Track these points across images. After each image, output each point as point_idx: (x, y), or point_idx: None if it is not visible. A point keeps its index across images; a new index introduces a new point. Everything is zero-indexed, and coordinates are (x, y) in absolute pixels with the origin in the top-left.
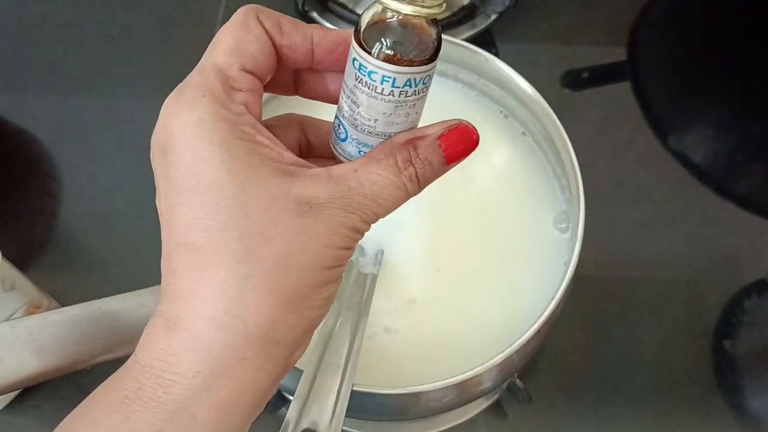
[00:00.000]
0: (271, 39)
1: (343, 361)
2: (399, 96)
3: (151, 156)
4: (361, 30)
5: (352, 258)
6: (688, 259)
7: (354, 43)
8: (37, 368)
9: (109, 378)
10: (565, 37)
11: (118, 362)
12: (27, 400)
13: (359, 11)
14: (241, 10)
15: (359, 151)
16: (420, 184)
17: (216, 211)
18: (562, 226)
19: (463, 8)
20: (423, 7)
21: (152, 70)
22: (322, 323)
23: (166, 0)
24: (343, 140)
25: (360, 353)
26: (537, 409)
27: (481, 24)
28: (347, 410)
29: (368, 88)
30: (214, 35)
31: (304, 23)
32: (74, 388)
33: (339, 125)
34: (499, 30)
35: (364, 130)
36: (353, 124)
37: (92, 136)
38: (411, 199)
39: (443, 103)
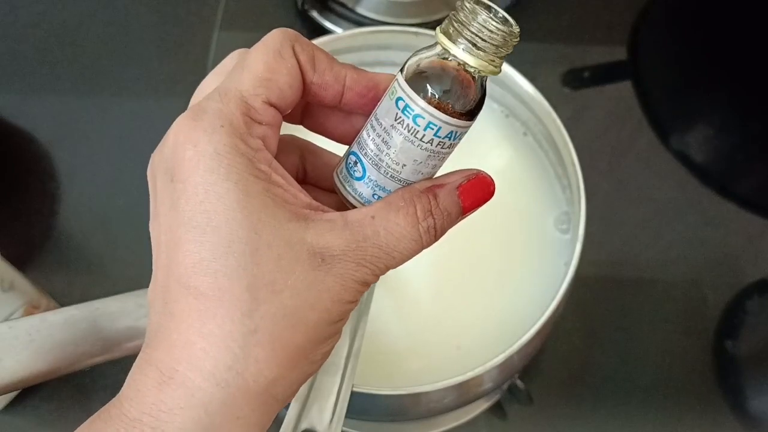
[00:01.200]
0: (303, 74)
1: (343, 361)
2: (437, 146)
3: (149, 173)
4: (413, 71)
5: None
6: (689, 259)
7: (402, 82)
8: (35, 369)
9: (88, 423)
10: (566, 36)
11: (116, 363)
12: (26, 401)
13: (359, 10)
14: (277, 34)
15: (373, 194)
16: (437, 235)
17: (225, 255)
18: (563, 226)
19: None
20: (488, 63)
21: (151, 70)
22: None
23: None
24: (359, 179)
25: (360, 353)
26: (538, 410)
27: None
28: (347, 411)
29: (408, 131)
30: (213, 35)
31: (339, 62)
32: (73, 389)
33: (356, 162)
34: None
35: (387, 173)
36: (376, 165)
37: (91, 136)
38: None
39: None
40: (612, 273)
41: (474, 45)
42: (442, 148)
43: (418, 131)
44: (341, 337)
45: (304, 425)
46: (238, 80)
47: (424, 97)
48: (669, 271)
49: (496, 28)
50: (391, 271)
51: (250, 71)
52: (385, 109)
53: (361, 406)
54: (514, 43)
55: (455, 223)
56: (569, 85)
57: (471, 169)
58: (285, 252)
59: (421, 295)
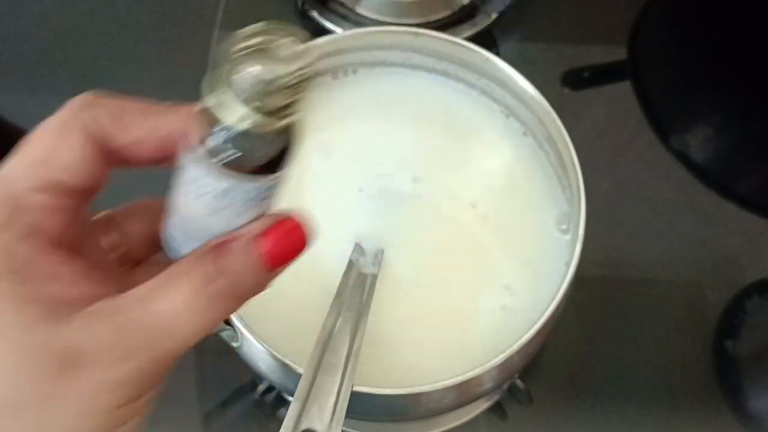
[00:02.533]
0: (105, 141)
1: (342, 361)
2: (221, 203)
3: None
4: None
5: (352, 258)
6: (689, 259)
7: (186, 137)
8: None
9: None
10: (565, 36)
11: None
12: None
13: (360, 11)
14: (69, 105)
15: (183, 252)
16: (229, 302)
17: None
18: (563, 227)
19: (464, 7)
20: (242, 116)
21: (151, 70)
22: (322, 323)
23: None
24: (168, 236)
25: (360, 353)
26: (538, 410)
27: (481, 23)
28: (347, 410)
29: (193, 186)
30: (213, 35)
31: (150, 108)
32: None
33: (167, 218)
34: (499, 29)
35: (185, 229)
36: (175, 221)
37: None
38: (410, 199)
39: (444, 102)
40: (612, 273)
41: (225, 95)
42: (233, 202)
43: (200, 189)
44: (343, 336)
45: (304, 425)
46: (11, 165)
47: (202, 155)
48: (669, 271)
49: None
50: (391, 272)
51: (28, 153)
52: (178, 163)
53: (361, 406)
54: (297, 92)
55: (264, 284)
56: (569, 85)
57: (279, 213)
58: (27, 360)
59: (421, 295)
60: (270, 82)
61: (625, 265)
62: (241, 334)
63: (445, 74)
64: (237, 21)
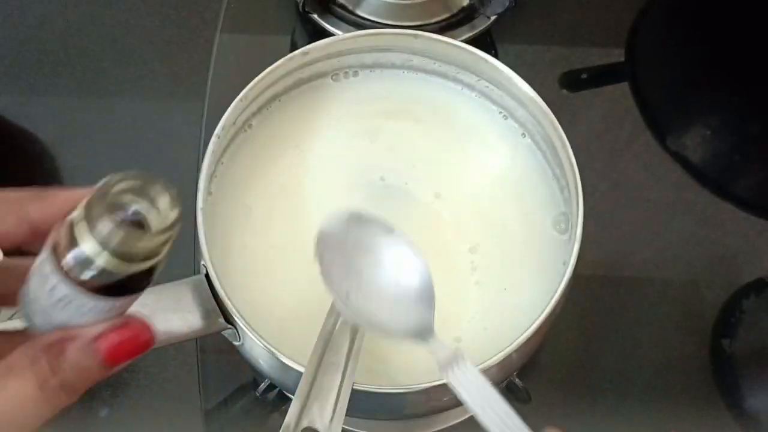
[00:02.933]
0: None
1: (343, 360)
2: (64, 303)
3: None
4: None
5: None
6: (686, 259)
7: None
8: None
9: None
10: (563, 38)
11: None
12: None
13: (360, 12)
14: None
15: (33, 320)
16: (74, 390)
17: None
18: (561, 227)
19: (463, 9)
20: (122, 261)
21: (153, 72)
22: (322, 323)
23: (167, 1)
24: (23, 299)
25: (360, 352)
26: (536, 409)
27: (480, 25)
28: (347, 410)
29: (44, 277)
30: (215, 37)
31: (18, 197)
32: None
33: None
34: (498, 31)
35: (35, 306)
36: (28, 291)
37: (94, 137)
38: (409, 198)
39: (443, 104)
40: (610, 273)
41: (105, 246)
42: (76, 306)
43: (51, 284)
44: (343, 336)
45: (304, 423)
46: None
47: (54, 260)
48: (666, 271)
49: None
50: None
51: None
52: (37, 261)
53: (361, 405)
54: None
55: (105, 375)
56: (567, 86)
57: (122, 318)
58: None
59: None
60: (133, 240)
61: (622, 265)
62: (243, 332)
63: (443, 76)
64: (239, 23)
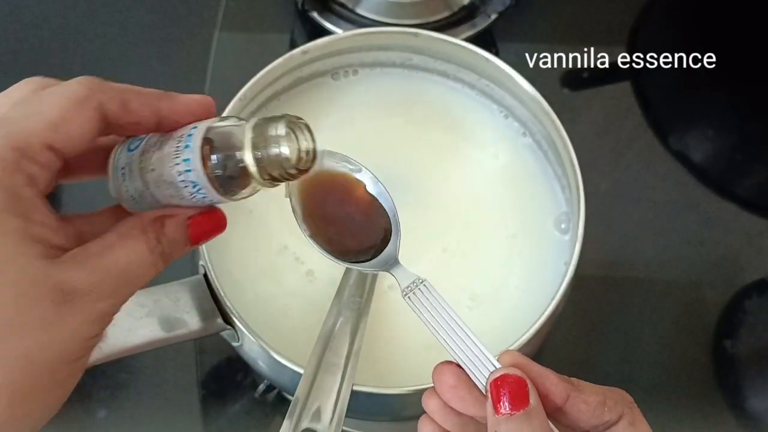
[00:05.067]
0: (111, 120)
1: (343, 361)
2: (193, 189)
3: None
4: (206, 134)
5: None
6: (688, 259)
7: (198, 139)
8: None
9: None
10: (565, 36)
11: (117, 362)
12: None
13: (360, 11)
14: (82, 84)
15: (133, 200)
16: (167, 261)
17: None
18: (563, 227)
19: (464, 8)
20: (262, 180)
21: (152, 70)
22: (322, 323)
23: (165, 0)
24: (125, 181)
25: (360, 353)
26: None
27: (481, 24)
28: (347, 410)
29: (179, 159)
30: (214, 35)
31: (151, 93)
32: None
33: (126, 167)
34: (499, 30)
35: (146, 191)
36: (143, 179)
37: None
38: (410, 199)
39: (443, 102)
40: (611, 273)
41: (259, 161)
42: (191, 196)
43: (183, 165)
44: (343, 336)
45: (304, 424)
46: (24, 116)
47: (205, 161)
48: (668, 271)
49: (290, 167)
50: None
51: (42, 114)
52: (171, 139)
53: (361, 406)
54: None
55: (186, 251)
56: (568, 85)
57: (210, 208)
58: (29, 290)
59: None
60: (280, 167)
61: (624, 265)
62: (241, 333)
63: (444, 75)
64: (237, 22)
